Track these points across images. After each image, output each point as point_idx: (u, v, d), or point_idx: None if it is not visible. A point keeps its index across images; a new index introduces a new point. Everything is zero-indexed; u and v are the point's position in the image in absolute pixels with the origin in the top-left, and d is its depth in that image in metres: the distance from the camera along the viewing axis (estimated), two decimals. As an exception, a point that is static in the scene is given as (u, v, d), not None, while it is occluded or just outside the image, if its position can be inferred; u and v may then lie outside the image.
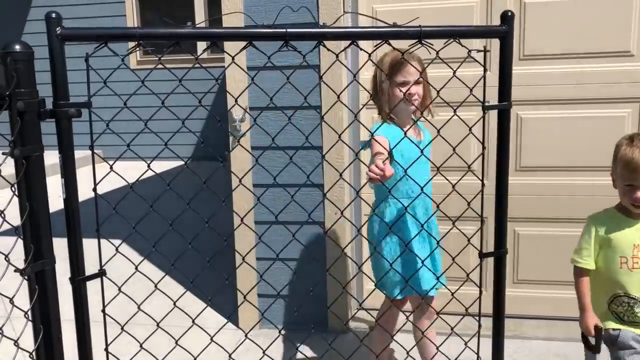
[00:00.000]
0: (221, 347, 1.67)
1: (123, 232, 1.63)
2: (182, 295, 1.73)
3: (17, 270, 1.15)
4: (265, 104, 2.53)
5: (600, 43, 2.48)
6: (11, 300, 1.19)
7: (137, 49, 1.53)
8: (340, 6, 2.47)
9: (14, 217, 1.20)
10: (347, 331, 2.71)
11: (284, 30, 1.35)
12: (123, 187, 1.66)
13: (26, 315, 1.21)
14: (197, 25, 1.46)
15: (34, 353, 1.27)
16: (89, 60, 1.45)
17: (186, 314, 1.66)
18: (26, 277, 1.19)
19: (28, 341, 1.27)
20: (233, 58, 1.43)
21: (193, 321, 1.64)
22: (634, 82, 2.47)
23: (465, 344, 1.66)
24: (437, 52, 1.47)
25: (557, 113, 2.56)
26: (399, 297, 2.09)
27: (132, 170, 1.62)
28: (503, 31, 1.50)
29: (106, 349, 1.46)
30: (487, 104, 1.47)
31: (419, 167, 1.87)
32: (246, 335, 1.71)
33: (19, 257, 1.20)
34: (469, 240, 1.63)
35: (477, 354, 1.63)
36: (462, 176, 1.66)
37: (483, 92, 1.49)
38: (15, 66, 1.23)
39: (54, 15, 1.41)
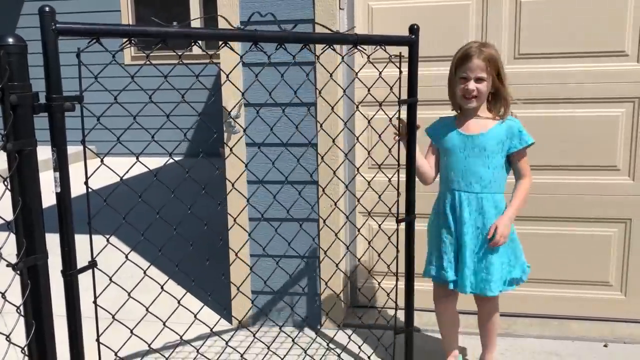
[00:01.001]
0: (221, 339, 1.66)
1: (116, 227, 1.62)
2: (184, 294, 1.73)
3: (9, 264, 1.14)
4: (260, 100, 2.52)
5: (596, 43, 2.49)
6: (3, 295, 1.18)
7: (129, 45, 1.52)
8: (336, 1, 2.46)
9: (6, 211, 1.19)
10: (342, 328, 2.71)
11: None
12: (117, 183, 1.65)
13: (18, 310, 1.20)
14: (189, 21, 1.47)
15: (26, 348, 1.26)
16: (82, 55, 1.45)
17: (186, 308, 1.65)
18: (18, 272, 1.18)
19: (20, 336, 1.26)
20: (210, 56, 1.42)
21: (196, 316, 1.64)
22: (628, 81, 2.48)
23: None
24: (369, 57, 1.89)
25: (552, 112, 2.57)
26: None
27: (127, 166, 1.61)
28: (412, 40, 1.99)
29: (97, 340, 1.46)
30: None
31: (465, 161, 2.05)
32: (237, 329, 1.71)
33: (11, 252, 1.19)
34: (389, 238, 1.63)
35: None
36: (394, 174, 1.66)
37: (399, 90, 1.98)
38: (9, 59, 1.22)
39: (47, 9, 1.40)
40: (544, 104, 2.57)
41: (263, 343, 2.26)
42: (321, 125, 2.39)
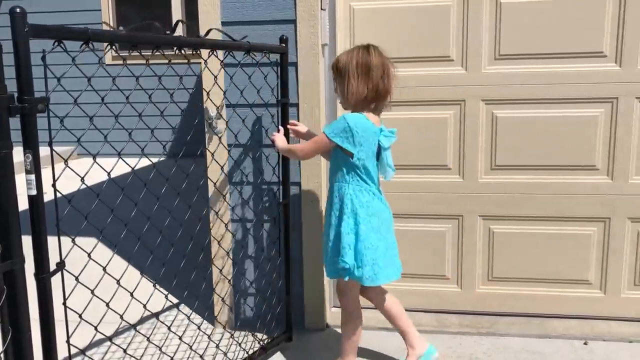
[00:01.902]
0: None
1: (92, 229, 1.61)
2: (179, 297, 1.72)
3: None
4: (235, 101, 2.51)
5: (575, 44, 2.51)
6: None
7: (87, 50, 1.52)
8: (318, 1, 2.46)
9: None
10: (324, 328, 2.71)
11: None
12: (96, 184, 1.65)
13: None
14: (145, 23, 1.47)
15: (2, 355, 1.25)
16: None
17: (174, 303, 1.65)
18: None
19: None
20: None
21: (188, 317, 1.63)
22: (607, 82, 2.51)
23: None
24: (239, 62, 2.25)
25: (532, 112, 2.59)
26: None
27: (107, 167, 1.60)
28: (283, 48, 2.40)
29: (67, 341, 1.45)
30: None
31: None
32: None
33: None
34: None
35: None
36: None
37: (278, 92, 2.41)
38: (-18, 61, 1.21)
39: (18, 10, 1.39)
40: (524, 104, 2.59)
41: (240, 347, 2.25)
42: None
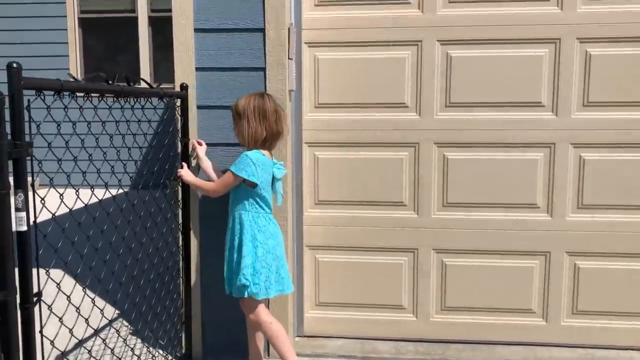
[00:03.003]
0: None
1: (64, 259, 1.75)
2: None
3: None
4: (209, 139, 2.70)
5: (516, 94, 2.79)
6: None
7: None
8: (285, 12, 2.66)
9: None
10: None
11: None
12: (67, 214, 1.79)
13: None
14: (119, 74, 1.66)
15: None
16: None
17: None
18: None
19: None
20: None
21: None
22: (545, 129, 2.79)
23: None
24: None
25: (479, 155, 2.84)
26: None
27: (84, 197, 1.74)
28: (183, 95, 2.70)
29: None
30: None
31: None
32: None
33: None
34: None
35: None
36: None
37: (181, 132, 2.69)
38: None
39: (15, 65, 1.56)
40: (473, 148, 2.84)
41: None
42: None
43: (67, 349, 1.95)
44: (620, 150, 2.76)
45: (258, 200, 2.42)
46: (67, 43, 7.43)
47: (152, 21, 7.45)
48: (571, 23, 2.72)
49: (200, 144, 2.68)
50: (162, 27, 7.34)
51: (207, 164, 2.64)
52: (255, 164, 2.36)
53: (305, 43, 2.85)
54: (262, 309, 2.46)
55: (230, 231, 2.47)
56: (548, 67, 2.76)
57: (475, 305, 2.93)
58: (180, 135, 2.70)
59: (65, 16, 7.40)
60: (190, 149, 2.70)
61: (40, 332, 1.58)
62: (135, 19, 7.44)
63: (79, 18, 7.47)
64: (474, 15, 2.76)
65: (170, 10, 2.76)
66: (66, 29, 7.42)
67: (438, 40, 2.80)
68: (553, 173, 2.82)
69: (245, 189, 2.41)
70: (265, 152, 2.45)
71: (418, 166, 2.88)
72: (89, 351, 2.18)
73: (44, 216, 1.65)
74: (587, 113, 2.77)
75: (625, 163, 2.77)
